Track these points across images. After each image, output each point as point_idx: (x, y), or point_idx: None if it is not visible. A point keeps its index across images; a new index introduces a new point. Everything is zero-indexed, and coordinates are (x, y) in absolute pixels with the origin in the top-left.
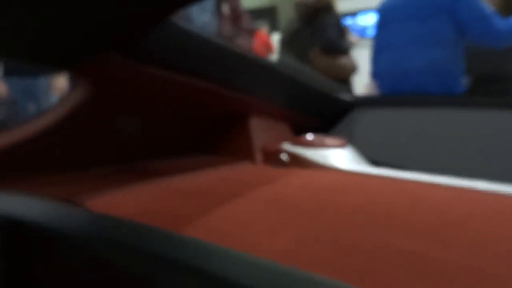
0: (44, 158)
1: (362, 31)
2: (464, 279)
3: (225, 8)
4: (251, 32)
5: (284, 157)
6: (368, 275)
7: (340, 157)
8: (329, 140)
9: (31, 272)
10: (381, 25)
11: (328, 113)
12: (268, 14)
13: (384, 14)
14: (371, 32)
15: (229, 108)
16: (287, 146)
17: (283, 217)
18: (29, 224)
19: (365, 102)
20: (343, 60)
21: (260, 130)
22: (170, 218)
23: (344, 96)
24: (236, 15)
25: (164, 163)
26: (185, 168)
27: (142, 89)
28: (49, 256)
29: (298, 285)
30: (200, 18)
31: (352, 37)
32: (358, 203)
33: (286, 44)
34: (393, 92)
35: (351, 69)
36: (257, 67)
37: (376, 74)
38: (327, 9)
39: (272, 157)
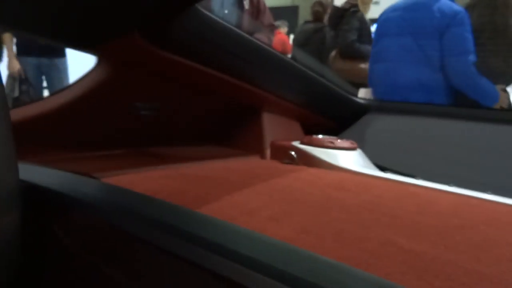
0: (60, 134)
1: None
2: (463, 280)
3: (246, 2)
4: (272, 28)
5: (293, 154)
6: (370, 269)
7: (349, 159)
8: (339, 141)
9: (51, 236)
10: (377, 37)
11: (340, 115)
12: (289, 14)
13: (381, 26)
14: None
15: (244, 101)
16: (297, 144)
17: (289, 207)
18: (51, 192)
19: (378, 107)
20: (362, 65)
21: (272, 126)
22: (178, 199)
23: (358, 100)
24: (257, 10)
25: (177, 150)
26: (197, 156)
27: (161, 75)
28: (67, 222)
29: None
30: (221, 11)
31: None
32: (364, 202)
33: (300, 44)
34: None
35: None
36: (275, 62)
37: (371, 83)
38: (354, 12)
39: (281, 153)
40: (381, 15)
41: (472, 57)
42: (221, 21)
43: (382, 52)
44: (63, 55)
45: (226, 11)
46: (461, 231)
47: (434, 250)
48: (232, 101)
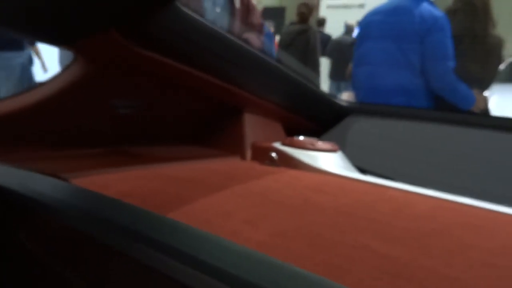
0: (34, 133)
1: None
2: (436, 286)
3: (237, 2)
4: (261, 29)
5: (274, 156)
6: (343, 274)
7: (329, 161)
8: (320, 143)
9: (13, 239)
10: (360, 40)
11: (322, 117)
12: (276, 14)
13: (363, 29)
14: None
15: (225, 101)
16: (278, 146)
17: (265, 210)
18: (14, 193)
19: (360, 109)
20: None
21: (254, 127)
22: (152, 201)
23: (340, 102)
24: (247, 9)
25: (155, 149)
26: (175, 156)
27: (139, 73)
28: (30, 225)
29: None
30: (213, 10)
31: None
32: (342, 205)
33: (285, 46)
34: None
35: None
36: (258, 63)
37: (354, 86)
38: None
39: (262, 155)
40: (364, 18)
41: (451, 63)
42: (202, 19)
43: (365, 56)
44: (13, 48)
45: (218, 10)
46: (436, 235)
47: (408, 254)
48: (213, 100)
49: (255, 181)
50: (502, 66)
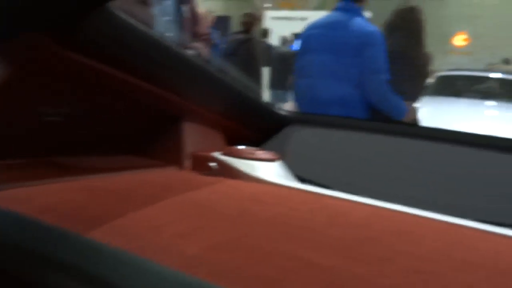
0: None
1: None
2: None
3: (185, 12)
4: (207, 38)
5: (213, 165)
6: (275, 286)
7: (269, 170)
8: (259, 153)
9: None
10: (301, 52)
11: (263, 127)
12: (221, 23)
13: (304, 42)
14: None
15: (161, 109)
16: (218, 155)
17: (200, 222)
18: None
19: (300, 119)
20: None
21: (192, 136)
22: (76, 218)
23: (280, 111)
24: (194, 20)
25: (86, 160)
26: (109, 167)
27: (69, 78)
28: None
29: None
30: (161, 19)
31: None
32: (277, 214)
33: (229, 55)
34: None
35: None
36: (196, 70)
37: (296, 98)
38: None
39: (201, 164)
40: (304, 31)
41: (385, 76)
42: (137, 25)
43: (305, 68)
44: None
45: (166, 18)
46: (370, 243)
47: (341, 263)
48: (151, 109)
49: (191, 192)
50: (431, 80)
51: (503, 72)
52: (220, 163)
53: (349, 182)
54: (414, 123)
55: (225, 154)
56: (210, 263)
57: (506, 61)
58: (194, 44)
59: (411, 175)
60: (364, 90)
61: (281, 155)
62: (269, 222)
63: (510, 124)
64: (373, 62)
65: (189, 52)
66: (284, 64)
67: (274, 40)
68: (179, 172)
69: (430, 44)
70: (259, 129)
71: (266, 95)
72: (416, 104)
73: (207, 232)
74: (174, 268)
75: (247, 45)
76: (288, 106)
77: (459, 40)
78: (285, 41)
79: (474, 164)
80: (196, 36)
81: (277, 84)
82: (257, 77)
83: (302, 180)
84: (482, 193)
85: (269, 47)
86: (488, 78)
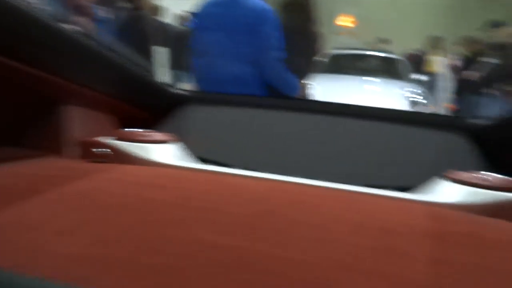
0: None
1: None
2: (270, 268)
3: None
4: (89, 12)
5: (103, 151)
6: (173, 273)
7: (165, 152)
8: (154, 135)
9: None
10: (197, 31)
11: (156, 107)
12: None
13: (200, 20)
14: None
15: (39, 93)
16: (107, 140)
17: (86, 215)
18: None
19: (195, 98)
20: None
21: (77, 121)
22: None
23: (174, 90)
24: None
25: None
26: None
27: None
28: None
29: None
30: None
31: None
32: (174, 198)
33: (117, 31)
34: None
35: None
36: (76, 47)
37: (195, 77)
38: None
39: (89, 151)
40: (199, 9)
41: (278, 53)
42: None
43: (202, 47)
44: None
45: None
46: (266, 217)
47: (241, 241)
48: (26, 92)
49: (76, 182)
50: (322, 59)
51: (380, 51)
52: (111, 148)
53: (247, 159)
54: (306, 99)
55: (116, 138)
56: (97, 260)
57: (382, 41)
58: (75, 18)
59: (306, 148)
60: (259, 68)
61: (179, 135)
62: (167, 207)
63: (387, 97)
64: (267, 40)
65: (70, 28)
66: (183, 43)
67: (170, 18)
68: (61, 161)
69: (321, 25)
70: (153, 109)
71: (168, 77)
72: (307, 81)
73: (94, 225)
74: (48, 273)
75: (136, 22)
76: (189, 87)
77: (347, 21)
78: (182, 19)
79: (361, 134)
80: (76, 9)
81: (178, 64)
82: (147, 56)
83: (203, 160)
84: (370, 160)
85: (165, 25)
86: (368, 56)
